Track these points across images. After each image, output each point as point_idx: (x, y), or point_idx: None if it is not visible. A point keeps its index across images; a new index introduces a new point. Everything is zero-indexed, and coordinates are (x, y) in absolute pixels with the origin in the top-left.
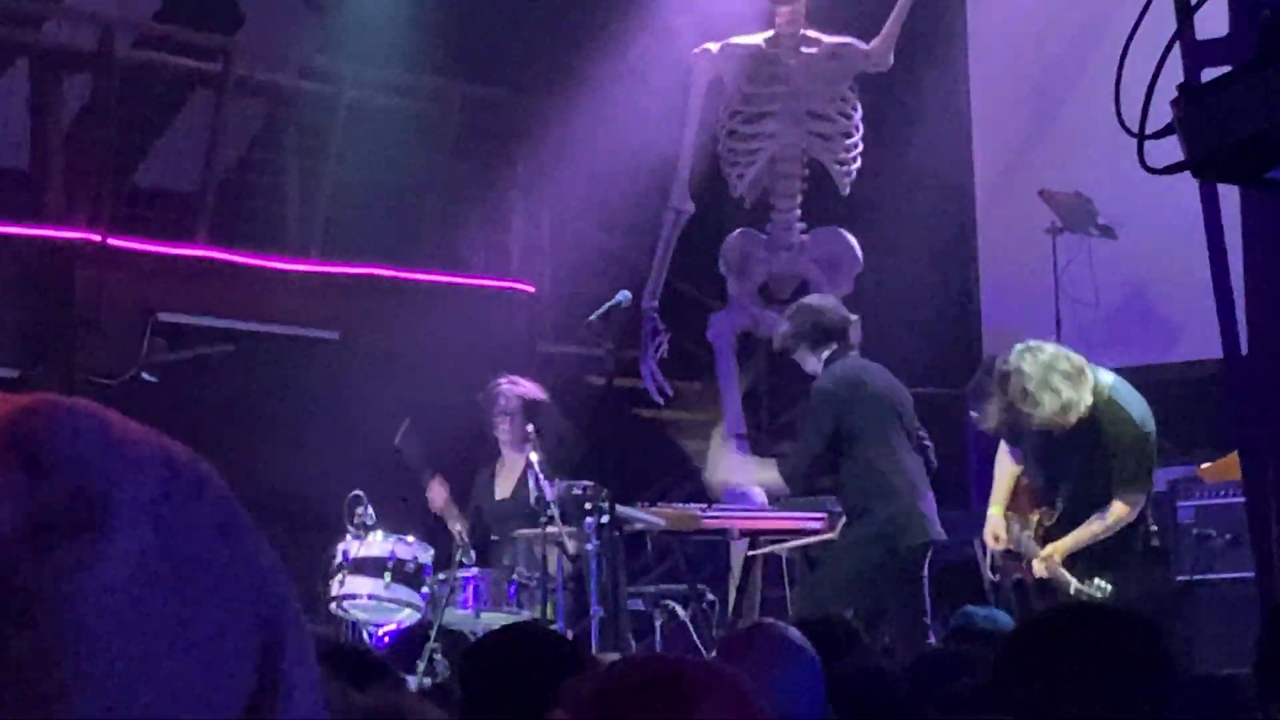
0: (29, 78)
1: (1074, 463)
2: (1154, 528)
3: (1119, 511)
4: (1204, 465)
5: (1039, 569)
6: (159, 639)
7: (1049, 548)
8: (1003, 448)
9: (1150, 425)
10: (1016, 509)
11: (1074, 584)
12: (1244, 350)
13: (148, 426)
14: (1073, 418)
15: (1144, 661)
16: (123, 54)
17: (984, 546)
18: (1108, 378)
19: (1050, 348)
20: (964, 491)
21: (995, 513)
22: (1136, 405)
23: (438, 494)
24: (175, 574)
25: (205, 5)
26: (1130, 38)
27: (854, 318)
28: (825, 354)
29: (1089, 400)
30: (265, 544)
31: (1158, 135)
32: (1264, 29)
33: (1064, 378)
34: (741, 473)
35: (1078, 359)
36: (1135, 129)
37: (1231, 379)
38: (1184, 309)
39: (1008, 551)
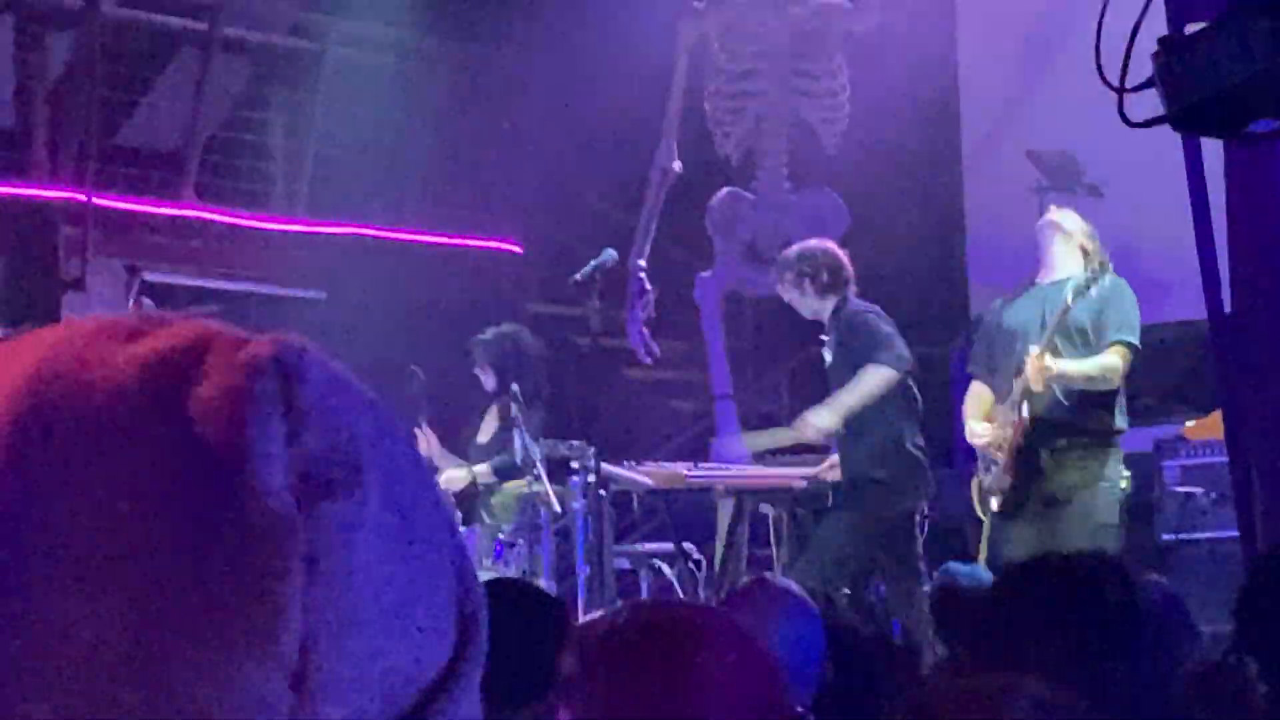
0: (13, 35)
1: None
2: (1126, 472)
3: (1112, 360)
4: (1189, 424)
5: (1034, 374)
6: (401, 600)
7: (1035, 358)
8: (970, 391)
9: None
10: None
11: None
12: (1228, 308)
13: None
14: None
15: (1120, 607)
16: (108, 11)
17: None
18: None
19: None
20: (950, 450)
21: (973, 424)
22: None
23: (421, 443)
24: (407, 535)
25: None
26: None
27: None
28: (833, 300)
29: None
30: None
31: (1137, 89)
32: None
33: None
34: (820, 418)
35: None
36: (1117, 83)
37: (1215, 337)
38: (1172, 269)
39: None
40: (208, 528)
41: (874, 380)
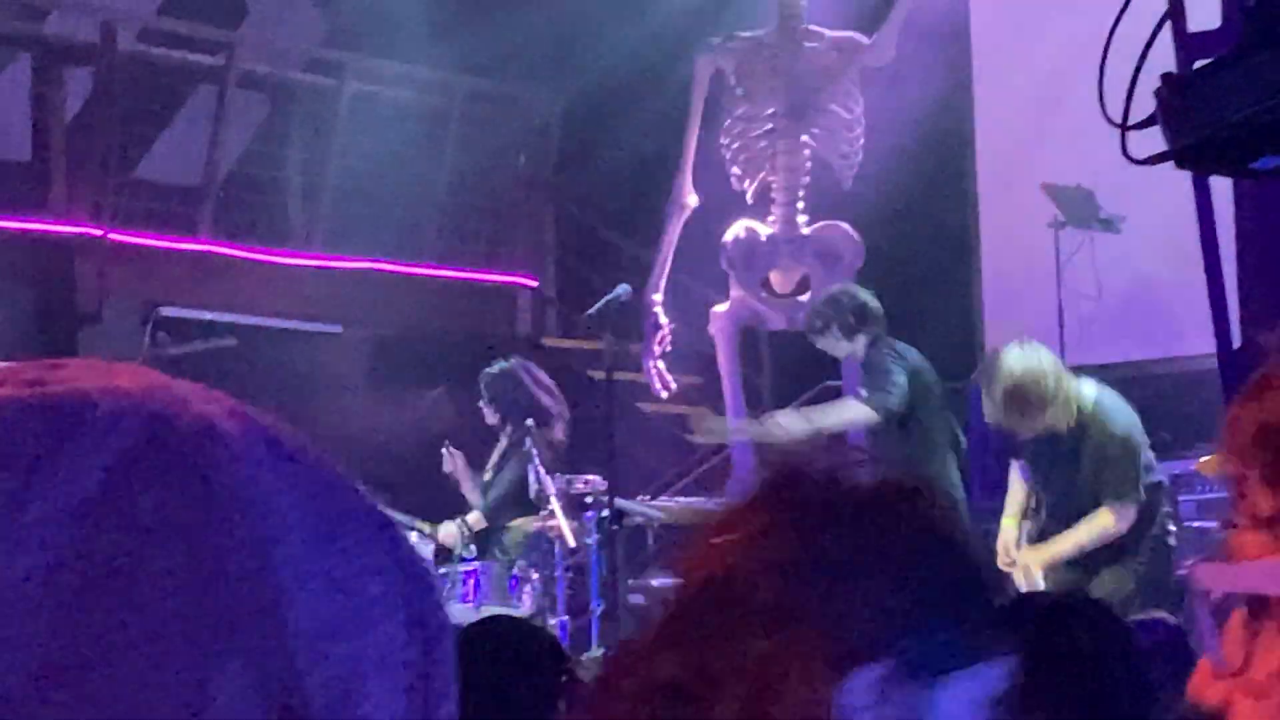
0: (31, 71)
1: (1057, 475)
2: (1171, 527)
3: (1105, 521)
4: (1202, 459)
5: (1016, 575)
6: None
7: (1026, 553)
8: (1014, 462)
9: (1136, 436)
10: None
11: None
12: (1236, 343)
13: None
14: (1065, 418)
15: (1115, 655)
16: (125, 47)
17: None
18: (1091, 390)
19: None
20: (965, 483)
21: (1008, 524)
22: (1121, 416)
23: (449, 461)
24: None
25: None
26: (1113, 29)
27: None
28: (864, 339)
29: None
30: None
31: (1140, 126)
32: (1247, 18)
33: (1064, 374)
34: (785, 417)
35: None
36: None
37: (1224, 372)
38: (1186, 303)
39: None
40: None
41: (849, 413)
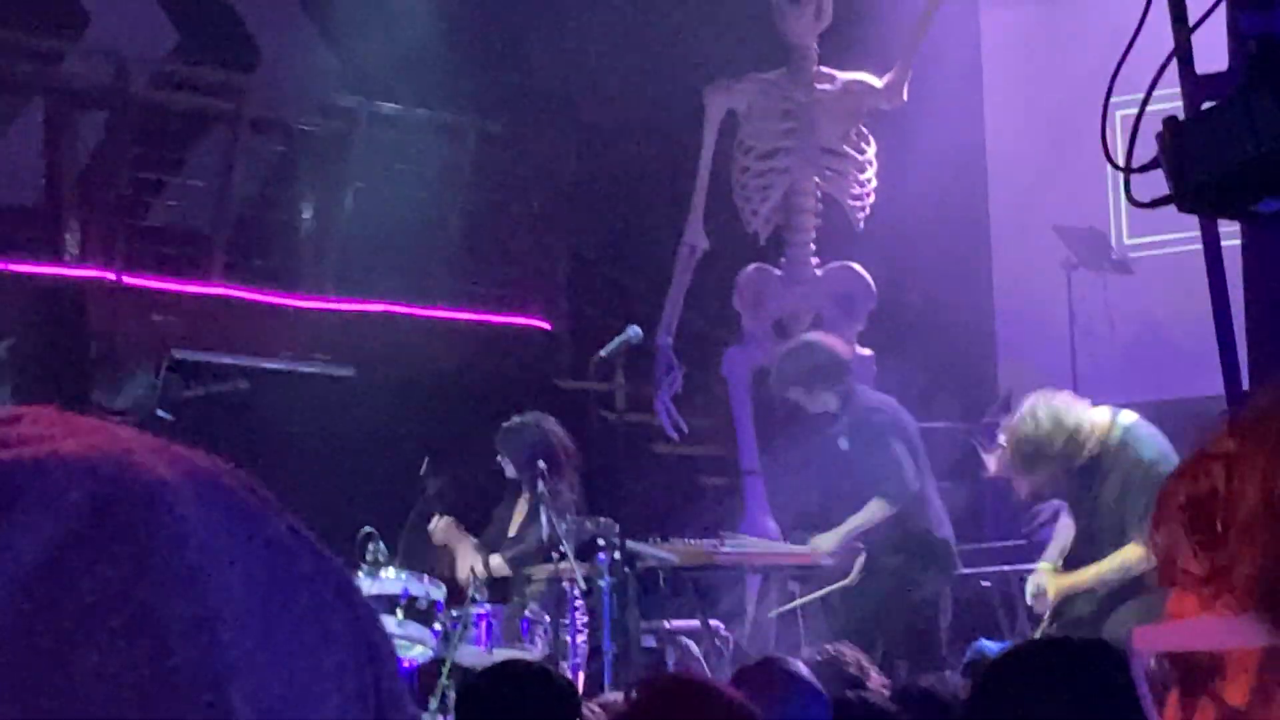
0: (44, 115)
1: (1084, 501)
2: None
3: (1130, 554)
4: None
5: (1029, 592)
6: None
7: (1046, 574)
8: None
9: (1166, 465)
10: None
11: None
12: (1245, 385)
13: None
14: (1086, 444)
15: (1119, 692)
16: (138, 91)
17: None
18: (1126, 418)
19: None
20: (978, 525)
21: (1044, 566)
22: (1150, 445)
23: (439, 533)
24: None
25: (221, 42)
26: (1116, 72)
27: (868, 352)
28: (839, 389)
29: (1099, 424)
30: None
31: (1143, 169)
32: (1249, 61)
33: (1065, 408)
34: (826, 542)
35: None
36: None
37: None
38: (1199, 344)
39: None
40: None
41: (877, 513)
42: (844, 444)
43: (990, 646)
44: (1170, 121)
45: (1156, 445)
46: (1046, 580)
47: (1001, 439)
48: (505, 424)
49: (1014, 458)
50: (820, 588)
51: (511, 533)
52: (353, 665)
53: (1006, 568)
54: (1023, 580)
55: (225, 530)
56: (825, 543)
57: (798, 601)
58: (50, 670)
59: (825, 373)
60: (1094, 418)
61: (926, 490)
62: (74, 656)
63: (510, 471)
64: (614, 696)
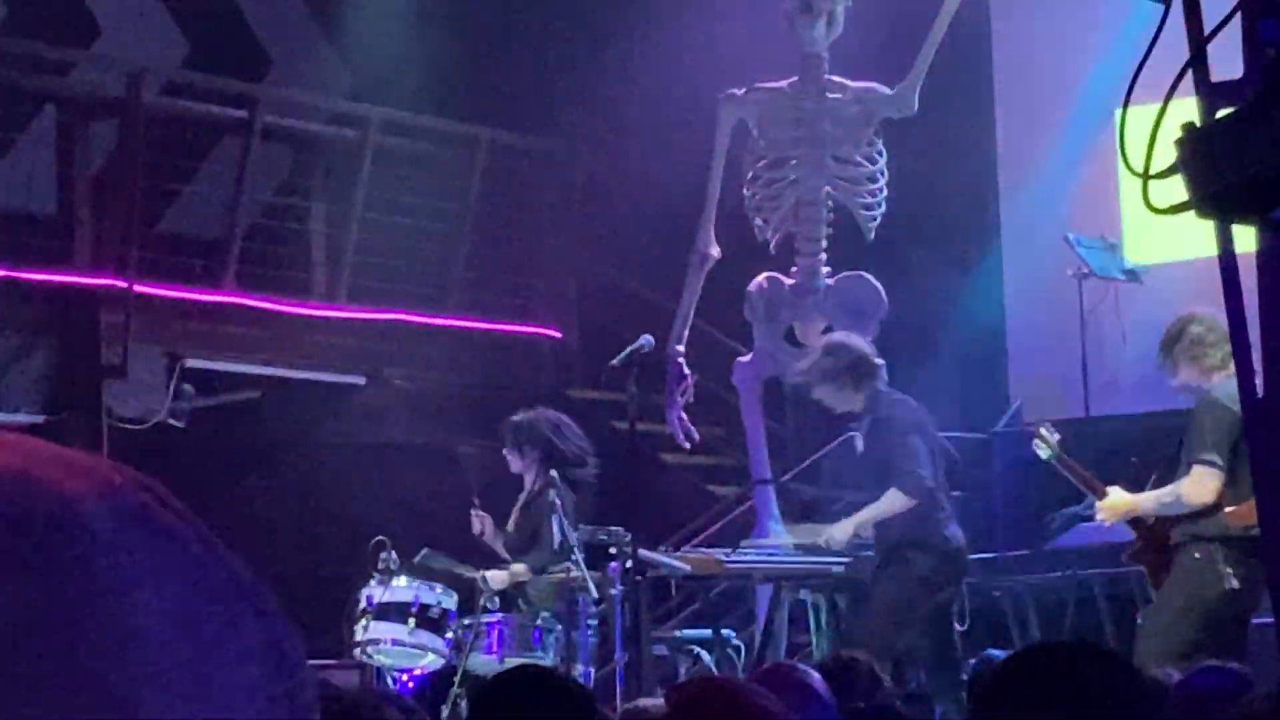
0: (56, 124)
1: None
2: (1229, 572)
3: (1182, 485)
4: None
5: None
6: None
7: (1110, 499)
8: None
9: (1233, 404)
10: None
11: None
12: (1260, 393)
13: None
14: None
15: (1122, 699)
16: (150, 101)
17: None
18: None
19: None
20: (990, 535)
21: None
22: (1229, 387)
23: (477, 523)
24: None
25: (232, 52)
26: (1135, 78)
27: (880, 362)
28: (866, 391)
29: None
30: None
31: (1162, 175)
32: (1268, 69)
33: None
34: (841, 530)
35: None
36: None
37: (1248, 421)
38: None
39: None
40: None
41: (892, 504)
42: (859, 445)
43: (999, 656)
44: (1189, 128)
45: (1229, 388)
46: (1112, 500)
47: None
48: (512, 417)
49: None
50: (831, 596)
51: (509, 528)
52: (265, 682)
53: (1018, 578)
54: (1036, 586)
55: (137, 546)
56: (840, 531)
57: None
58: None
59: (857, 373)
60: None
61: (939, 494)
62: None
63: (515, 465)
64: (650, 702)
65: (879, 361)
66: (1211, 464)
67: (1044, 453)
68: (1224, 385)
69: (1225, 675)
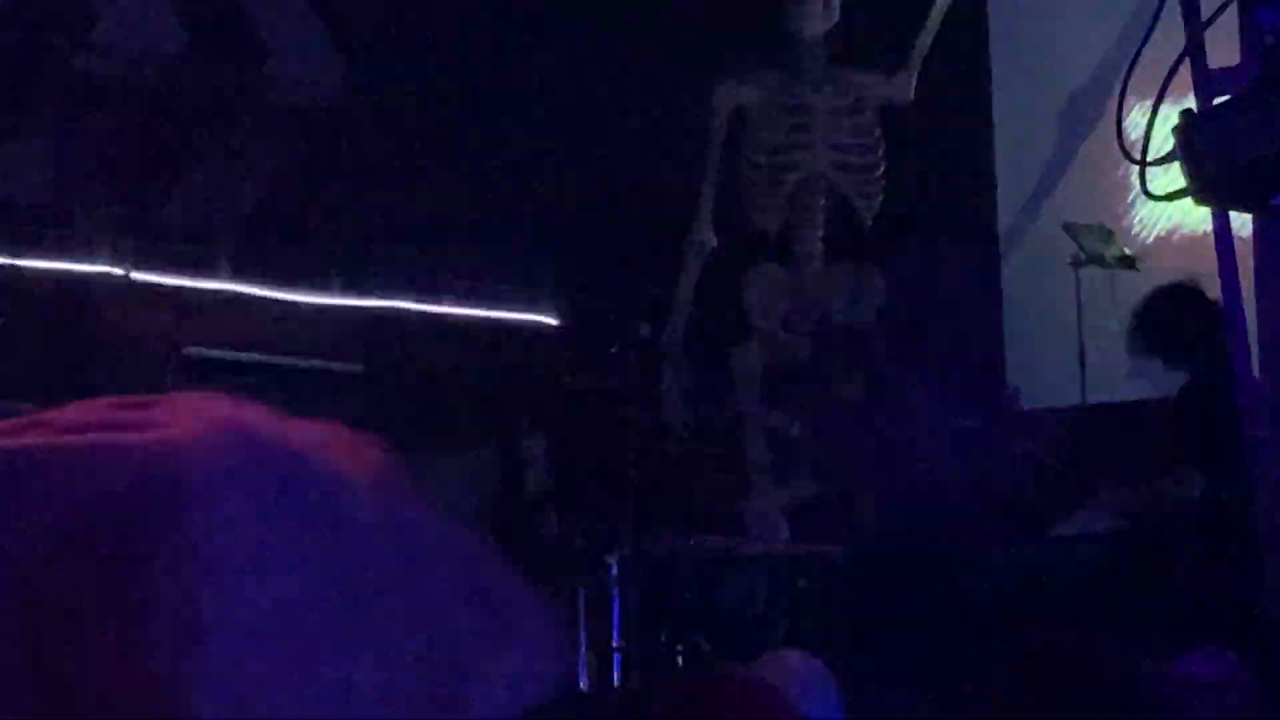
0: (53, 111)
1: None
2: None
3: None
4: None
5: None
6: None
7: None
8: None
9: None
10: None
11: None
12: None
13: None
14: None
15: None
16: (147, 89)
17: None
18: None
19: None
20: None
21: None
22: None
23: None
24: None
25: (229, 40)
26: (1131, 65)
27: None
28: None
29: None
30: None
31: (1159, 162)
32: (1267, 56)
33: None
34: None
35: None
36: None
37: (1242, 405)
38: None
39: None
40: None
41: None
42: None
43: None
44: (1187, 114)
45: None
46: None
47: None
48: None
49: None
50: (828, 582)
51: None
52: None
53: (1015, 563)
54: (1032, 576)
55: (261, 540)
56: None
57: None
58: (25, 648)
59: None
60: None
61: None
62: (53, 639)
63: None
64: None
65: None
66: None
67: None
68: None
69: (1216, 661)
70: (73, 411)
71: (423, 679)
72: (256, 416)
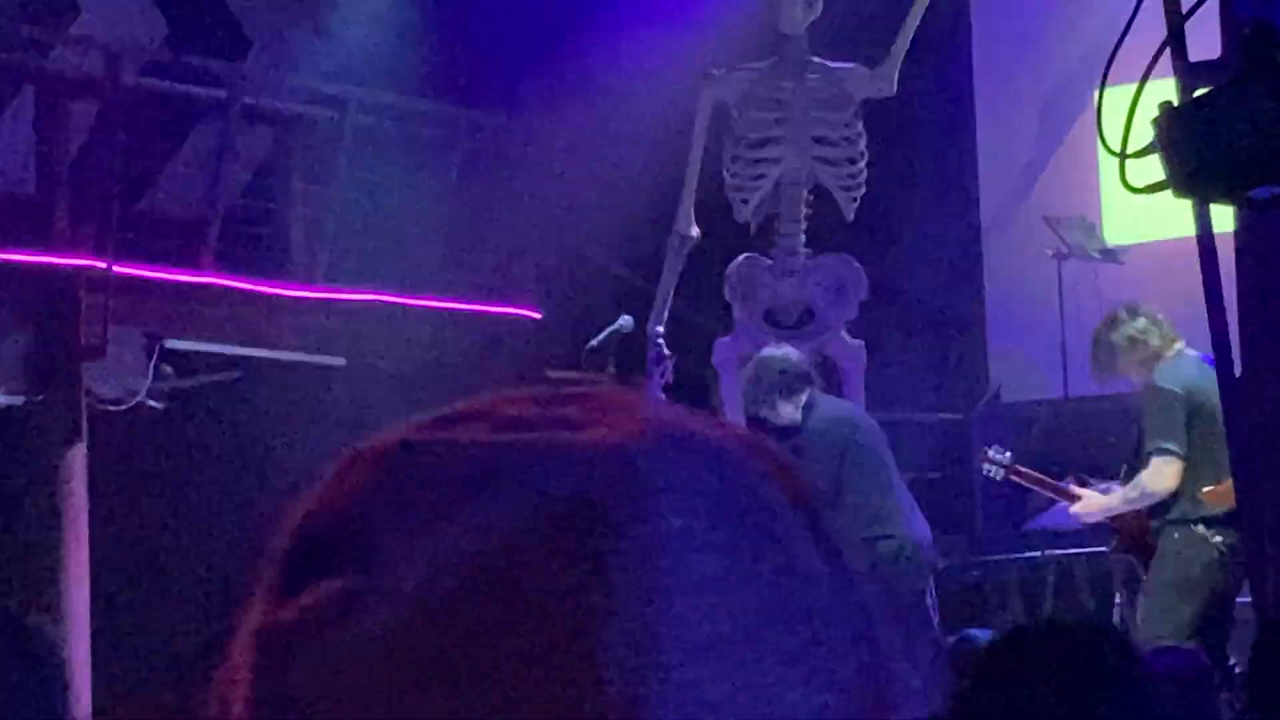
0: (35, 104)
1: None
2: (1216, 540)
3: (1143, 477)
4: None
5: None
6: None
7: (1081, 503)
8: None
9: (1177, 385)
10: None
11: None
12: (1237, 371)
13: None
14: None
15: (1115, 674)
16: (129, 81)
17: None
18: (1175, 351)
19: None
20: (969, 517)
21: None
22: (1171, 372)
23: None
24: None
25: (211, 32)
26: (1111, 59)
27: (859, 343)
28: (803, 399)
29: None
30: None
31: (1139, 154)
32: (1244, 46)
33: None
34: None
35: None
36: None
37: (1225, 401)
38: (1191, 333)
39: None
40: None
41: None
42: (807, 446)
43: (979, 636)
44: (1166, 107)
45: (1179, 372)
46: (1081, 503)
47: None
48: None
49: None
50: None
51: None
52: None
53: (997, 557)
54: (1016, 566)
55: (722, 560)
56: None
57: None
58: (461, 663)
59: (786, 384)
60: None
61: (890, 500)
62: (490, 652)
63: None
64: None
65: (807, 369)
66: (1167, 451)
67: (996, 474)
68: (1164, 371)
69: (1183, 656)
70: (498, 406)
71: (855, 706)
72: (684, 416)
